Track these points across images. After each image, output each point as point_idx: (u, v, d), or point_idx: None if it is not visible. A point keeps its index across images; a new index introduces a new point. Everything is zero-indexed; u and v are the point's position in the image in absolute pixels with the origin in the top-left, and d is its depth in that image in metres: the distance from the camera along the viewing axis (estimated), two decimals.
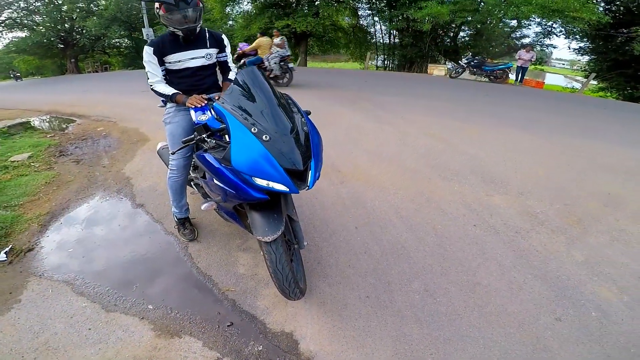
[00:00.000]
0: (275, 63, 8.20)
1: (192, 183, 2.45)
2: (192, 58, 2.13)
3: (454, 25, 17.30)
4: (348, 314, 1.83)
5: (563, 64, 49.23)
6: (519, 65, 12.16)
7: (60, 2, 22.93)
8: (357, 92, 8.39)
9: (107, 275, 2.11)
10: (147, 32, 20.95)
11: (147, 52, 2.04)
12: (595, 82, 17.03)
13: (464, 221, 2.70)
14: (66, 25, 23.40)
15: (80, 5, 22.31)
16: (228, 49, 2.29)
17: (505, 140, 4.72)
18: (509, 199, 3.05)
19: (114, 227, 2.64)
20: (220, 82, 2.36)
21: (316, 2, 17.14)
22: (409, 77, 12.80)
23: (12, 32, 23.47)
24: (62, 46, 23.66)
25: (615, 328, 1.78)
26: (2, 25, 22.36)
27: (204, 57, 2.16)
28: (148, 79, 2.10)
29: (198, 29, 2.04)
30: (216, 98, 2.01)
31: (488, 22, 15.85)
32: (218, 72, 2.36)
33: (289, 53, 8.38)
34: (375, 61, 20.71)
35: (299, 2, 16.37)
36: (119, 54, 29.19)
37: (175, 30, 1.99)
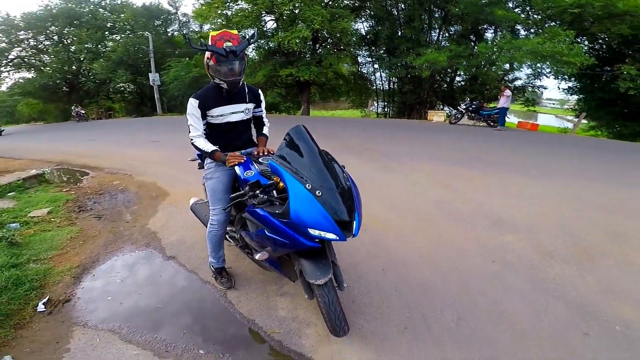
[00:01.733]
0: None
1: (227, 236, 2.57)
2: (233, 112, 2.21)
3: (450, 71, 18.22)
4: (389, 345, 1.98)
5: (553, 104, 51.65)
6: (500, 106, 12.16)
7: (69, 42, 23.41)
8: (363, 142, 8.72)
9: (151, 324, 2.18)
10: (154, 77, 21.61)
11: (192, 105, 2.10)
12: (585, 121, 17.69)
13: (483, 259, 2.93)
14: (73, 67, 23.73)
15: (88, 46, 22.71)
16: (263, 104, 2.41)
17: (508, 186, 5.01)
18: (520, 237, 3.32)
19: (148, 278, 2.72)
20: (254, 138, 2.48)
21: (318, 50, 17.80)
22: (410, 125, 13.29)
23: (19, 72, 23.73)
24: (68, 89, 23.82)
25: None
26: (10, 64, 22.68)
27: (243, 111, 2.25)
28: (189, 132, 2.16)
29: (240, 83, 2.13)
30: (255, 153, 2.21)
31: (482, 65, 16.59)
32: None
33: None
34: (375, 108, 21.26)
35: (302, 51, 17.06)
36: (122, 99, 29.35)
37: (221, 82, 2.07)
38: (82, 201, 4.68)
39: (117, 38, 25.10)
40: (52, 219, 3.96)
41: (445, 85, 19.68)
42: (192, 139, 2.18)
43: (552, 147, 9.20)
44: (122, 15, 24.65)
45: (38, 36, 23.14)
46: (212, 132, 2.26)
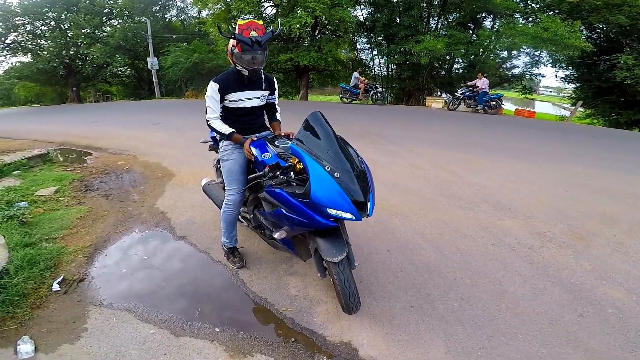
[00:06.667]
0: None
1: (239, 216, 2.64)
2: (250, 98, 2.30)
3: (448, 58, 18.21)
4: (397, 322, 2.09)
5: (550, 92, 51.93)
6: (479, 91, 12.54)
7: (66, 27, 23.05)
8: (364, 127, 8.79)
9: (166, 303, 2.25)
10: (152, 62, 21.44)
11: (212, 89, 2.19)
12: (582, 109, 17.87)
13: (483, 241, 3.06)
14: (71, 51, 23.35)
15: (85, 31, 22.30)
16: (277, 92, 2.52)
17: (507, 170, 5.13)
18: (519, 222, 3.46)
19: (160, 258, 2.78)
20: (267, 123, 2.57)
21: (318, 37, 17.70)
22: (410, 111, 13.36)
23: (16, 56, 23.37)
24: (65, 73, 23.43)
25: (632, 321, 2.14)
26: (7, 49, 22.37)
27: (259, 98, 2.35)
28: (206, 113, 2.28)
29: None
30: (283, 135, 2.32)
31: (480, 53, 16.78)
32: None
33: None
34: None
35: (301, 36, 16.98)
36: (120, 83, 29.21)
37: (242, 69, 2.16)
38: (89, 180, 4.71)
39: (115, 23, 24.67)
40: (60, 198, 3.99)
41: (443, 73, 19.67)
42: (208, 121, 2.28)
43: (549, 133, 9.34)
44: (120, 1, 24.26)
45: (35, 22, 22.72)
46: (229, 115, 2.34)
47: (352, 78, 14.65)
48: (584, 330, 2.04)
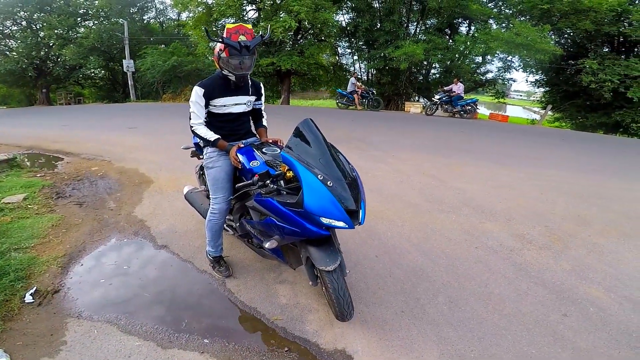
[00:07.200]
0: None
1: (225, 225, 2.57)
2: (236, 104, 2.25)
3: (426, 63, 18.70)
4: (390, 328, 2.09)
5: (520, 96, 54.61)
6: (454, 96, 13.05)
7: (38, 27, 22.24)
8: (348, 132, 8.83)
9: (150, 314, 2.15)
10: (128, 64, 20.92)
11: (197, 93, 2.12)
12: (551, 113, 18.70)
13: (467, 245, 3.13)
14: (42, 52, 22.54)
15: (58, 32, 21.53)
16: (263, 98, 2.47)
17: (486, 174, 5.30)
18: (499, 225, 3.56)
19: (141, 268, 2.66)
20: (253, 129, 2.52)
21: (300, 41, 17.80)
22: (389, 116, 13.51)
23: None
24: (35, 75, 22.56)
25: (613, 319, 2.22)
26: None
27: (245, 103, 2.30)
28: (190, 119, 2.21)
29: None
30: (270, 142, 2.29)
31: (456, 58, 17.38)
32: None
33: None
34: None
35: (283, 40, 16.98)
36: (93, 85, 28.32)
37: (229, 74, 2.11)
38: (60, 187, 4.47)
39: (90, 24, 23.94)
40: (29, 206, 3.78)
41: (421, 78, 20.14)
42: (192, 127, 2.21)
43: (522, 137, 9.76)
44: (97, 1, 23.59)
45: (5, 21, 21.94)
46: (214, 120, 2.28)
47: (349, 84, 14.60)
48: (569, 330, 2.11)
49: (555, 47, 14.14)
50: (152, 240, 3.07)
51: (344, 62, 22.32)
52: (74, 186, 4.54)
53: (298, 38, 17.97)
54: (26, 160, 6.22)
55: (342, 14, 19.66)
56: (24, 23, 22.38)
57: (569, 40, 17.43)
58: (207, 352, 1.87)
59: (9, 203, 3.80)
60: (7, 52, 22.45)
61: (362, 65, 20.67)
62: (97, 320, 2.09)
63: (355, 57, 20.75)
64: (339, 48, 21.26)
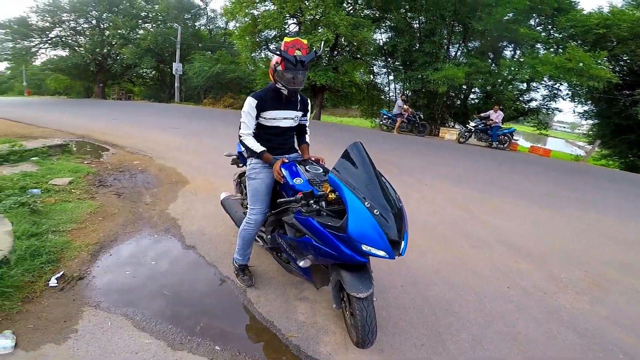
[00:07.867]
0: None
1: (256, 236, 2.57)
2: (285, 118, 2.27)
3: (465, 88, 17.85)
4: None
5: (564, 127, 50.75)
6: (492, 125, 12.30)
7: (104, 26, 24.47)
8: (380, 154, 8.65)
9: (166, 314, 2.15)
10: (177, 67, 22.33)
11: (250, 104, 2.15)
12: (598, 149, 16.78)
13: (498, 283, 2.98)
14: (105, 50, 24.71)
15: (121, 32, 23.55)
16: (309, 114, 2.48)
17: (523, 213, 5.00)
18: (535, 266, 3.36)
19: (166, 265, 2.70)
20: (296, 144, 2.52)
21: (336, 57, 17.84)
22: (423, 141, 13.04)
23: (55, 50, 24.79)
24: (96, 70, 24.86)
25: None
26: (49, 42, 23.66)
27: (293, 118, 2.31)
28: (240, 129, 2.24)
29: None
30: (313, 160, 2.31)
31: (498, 84, 16.19)
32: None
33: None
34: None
35: (319, 55, 17.05)
36: (143, 84, 30.49)
37: (282, 87, 2.13)
38: (103, 176, 4.71)
39: (148, 27, 26.03)
40: (73, 190, 3.98)
41: (458, 102, 19.19)
42: (241, 136, 2.24)
43: (564, 175, 9.19)
44: (157, 6, 25.72)
45: (79, 19, 24.23)
46: (261, 132, 2.30)
47: (396, 106, 14.07)
48: None
49: (611, 73, 12.63)
50: (181, 240, 3.12)
51: (379, 81, 21.91)
52: (116, 176, 4.78)
53: (334, 54, 18.05)
54: (77, 147, 6.65)
55: (380, 33, 19.39)
56: (94, 21, 24.76)
57: (625, 68, 15.25)
58: (216, 359, 1.84)
59: (56, 185, 4.03)
60: (76, 48, 24.88)
61: (397, 86, 19.94)
62: (114, 312, 2.10)
63: (391, 77, 20.07)
64: (374, 67, 20.87)
